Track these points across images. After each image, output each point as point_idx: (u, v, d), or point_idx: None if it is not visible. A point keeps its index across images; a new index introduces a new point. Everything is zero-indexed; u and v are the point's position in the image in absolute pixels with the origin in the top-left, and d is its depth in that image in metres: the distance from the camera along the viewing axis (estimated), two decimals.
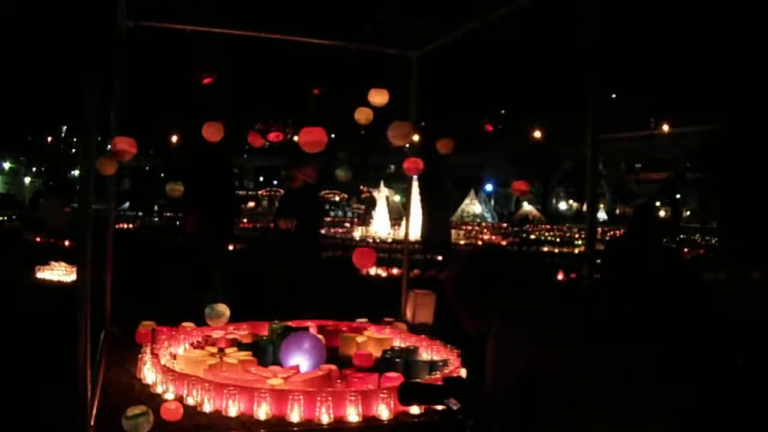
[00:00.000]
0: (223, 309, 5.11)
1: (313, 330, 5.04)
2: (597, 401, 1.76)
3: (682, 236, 25.23)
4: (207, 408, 3.47)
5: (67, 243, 13.88)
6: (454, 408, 2.04)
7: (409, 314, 6.03)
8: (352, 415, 3.43)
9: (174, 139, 27.79)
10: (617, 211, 46.93)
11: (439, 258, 13.79)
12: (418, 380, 3.89)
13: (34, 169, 46.34)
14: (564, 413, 1.76)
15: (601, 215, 42.20)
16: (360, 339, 4.85)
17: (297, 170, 6.67)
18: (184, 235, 7.44)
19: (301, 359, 4.11)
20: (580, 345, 1.83)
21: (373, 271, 10.25)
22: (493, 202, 47.07)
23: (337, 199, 48.88)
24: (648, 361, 1.87)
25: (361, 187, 41.15)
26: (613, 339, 1.89)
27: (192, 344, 4.73)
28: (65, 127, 39.42)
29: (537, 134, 34.86)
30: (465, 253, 2.13)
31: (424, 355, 4.68)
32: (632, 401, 1.79)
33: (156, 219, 31.27)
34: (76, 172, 36.21)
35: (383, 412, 3.48)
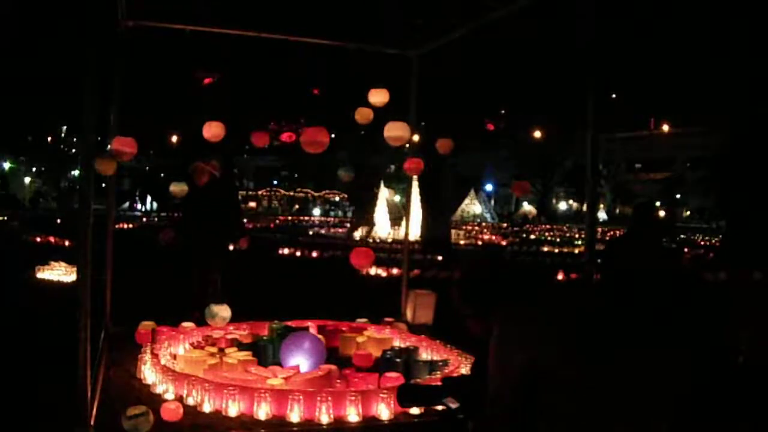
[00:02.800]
0: (218, 309, 5.09)
1: (313, 330, 5.04)
2: (598, 401, 1.76)
3: (682, 236, 25.28)
4: (207, 408, 3.46)
5: (67, 243, 13.90)
6: (453, 407, 2.04)
7: (409, 314, 6.03)
8: (352, 415, 3.43)
9: (174, 139, 27.81)
10: (617, 211, 46.97)
11: (439, 258, 13.81)
12: (417, 381, 3.89)
13: (33, 169, 46.31)
14: (566, 412, 1.77)
15: (601, 215, 42.26)
16: (360, 339, 4.85)
17: (204, 164, 6.20)
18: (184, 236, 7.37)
19: (301, 359, 4.11)
20: (582, 345, 1.83)
21: (373, 271, 10.25)
22: (493, 202, 47.12)
23: (337, 199, 48.94)
24: (648, 361, 1.88)
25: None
26: (614, 339, 1.90)
27: (192, 344, 4.73)
28: (65, 127, 39.38)
29: (537, 134, 34.85)
30: (469, 256, 2.16)
31: (424, 355, 4.68)
32: (633, 401, 1.79)
33: (157, 219, 31.34)
34: (76, 172, 36.24)
35: (383, 412, 3.48)
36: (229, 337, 4.81)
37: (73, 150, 39.89)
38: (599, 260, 4.61)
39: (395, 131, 5.07)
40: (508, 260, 2.23)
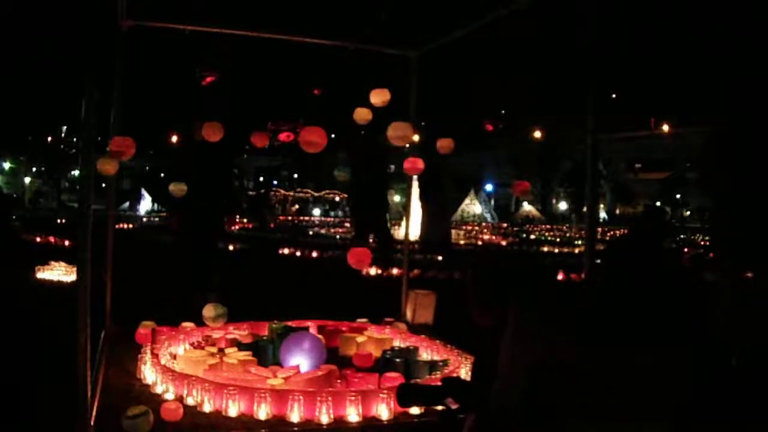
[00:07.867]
0: (207, 310, 5.06)
1: (313, 330, 5.04)
2: (604, 399, 1.77)
3: (682, 236, 25.27)
4: (207, 408, 3.47)
5: (67, 243, 13.91)
6: (453, 407, 2.04)
7: (409, 314, 6.03)
8: (352, 415, 3.43)
9: (174, 139, 27.83)
10: (617, 211, 46.95)
11: (439, 258, 13.80)
12: (416, 381, 3.89)
13: (34, 169, 46.32)
14: (574, 410, 1.77)
15: (601, 215, 42.24)
16: (360, 339, 4.85)
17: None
18: (171, 233, 7.29)
19: (301, 359, 4.11)
20: (594, 343, 1.85)
21: (372, 271, 10.25)
22: (493, 202, 47.10)
23: (337, 199, 48.93)
24: (649, 360, 1.88)
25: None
26: (616, 339, 1.90)
27: (192, 344, 4.73)
28: (65, 127, 39.38)
29: (537, 134, 34.84)
30: (485, 251, 2.19)
31: (424, 355, 4.68)
32: (634, 400, 1.80)
33: (156, 219, 31.36)
34: (77, 172, 36.23)
35: (383, 412, 3.48)
36: (229, 337, 4.81)
37: (73, 150, 39.93)
38: (600, 260, 4.60)
39: (399, 131, 5.08)
40: (521, 256, 2.26)
